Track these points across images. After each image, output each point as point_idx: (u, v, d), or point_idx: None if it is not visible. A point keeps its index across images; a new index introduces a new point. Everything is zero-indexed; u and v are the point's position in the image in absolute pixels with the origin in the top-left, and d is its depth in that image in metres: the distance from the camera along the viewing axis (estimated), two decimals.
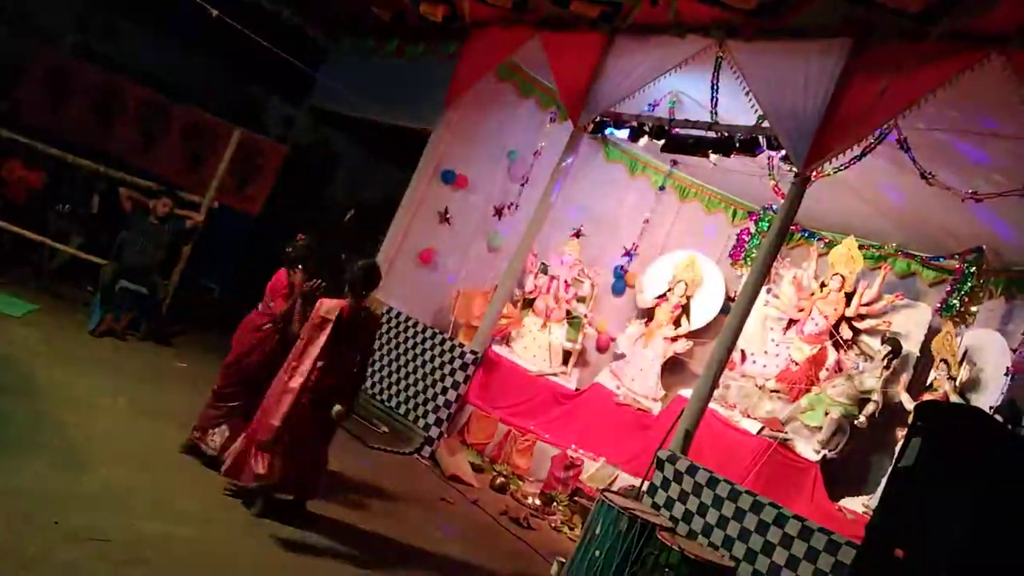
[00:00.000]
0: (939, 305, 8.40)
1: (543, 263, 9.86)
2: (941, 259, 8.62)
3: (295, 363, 5.10)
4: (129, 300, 8.03)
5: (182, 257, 8.76)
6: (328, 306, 5.15)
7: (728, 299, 9.75)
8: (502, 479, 7.90)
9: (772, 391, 8.62)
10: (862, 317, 8.70)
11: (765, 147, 6.93)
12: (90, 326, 7.77)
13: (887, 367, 8.18)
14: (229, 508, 5.08)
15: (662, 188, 10.61)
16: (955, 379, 7.59)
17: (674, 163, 10.23)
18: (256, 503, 5.11)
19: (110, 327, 7.85)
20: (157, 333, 8.24)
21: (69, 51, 10.62)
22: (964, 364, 7.63)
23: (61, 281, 8.78)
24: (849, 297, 8.78)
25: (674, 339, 9.74)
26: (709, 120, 7.33)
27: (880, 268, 8.79)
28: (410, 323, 8.70)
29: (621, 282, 10.48)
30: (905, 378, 8.23)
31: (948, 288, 8.39)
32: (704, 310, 9.96)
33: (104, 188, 9.43)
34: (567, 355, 9.75)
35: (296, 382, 5.05)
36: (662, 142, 7.80)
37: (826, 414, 8.11)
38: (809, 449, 8.06)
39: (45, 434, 5.15)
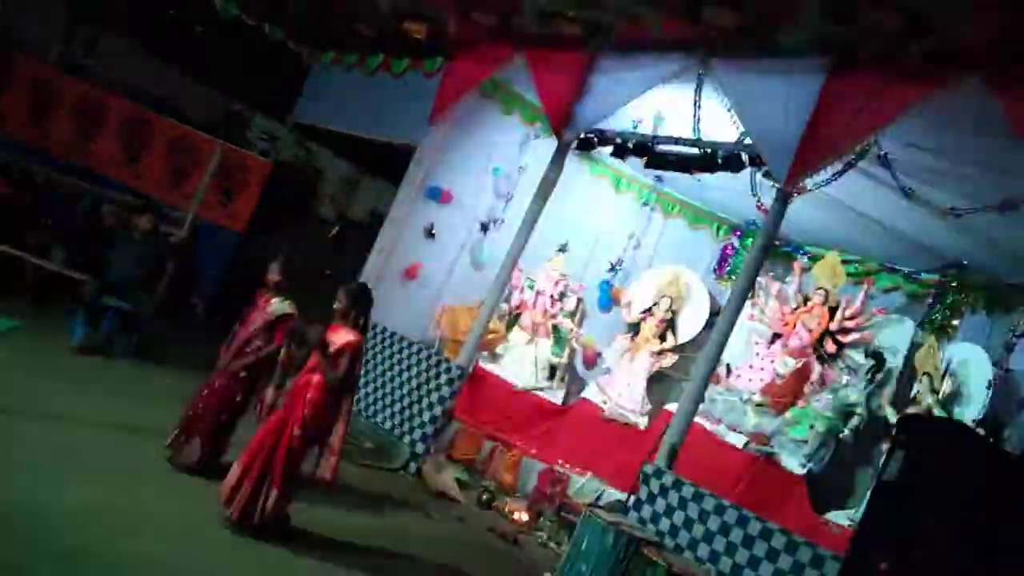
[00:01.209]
0: (922, 319, 8.48)
1: (529, 278, 9.87)
2: (923, 274, 8.71)
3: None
4: (112, 316, 7.97)
5: (166, 273, 8.73)
6: (345, 339, 5.21)
7: (713, 314, 9.79)
8: (488, 494, 7.87)
9: (757, 405, 8.65)
10: (846, 331, 8.76)
11: (747, 163, 6.99)
12: (73, 342, 7.71)
13: (871, 381, 8.23)
14: (212, 525, 5.03)
15: (647, 204, 10.66)
16: (938, 392, 7.65)
17: (659, 179, 10.29)
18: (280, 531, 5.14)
19: (93, 343, 7.79)
20: (140, 349, 8.18)
21: (53, 64, 10.59)
22: (947, 378, 7.70)
23: (44, 297, 8.71)
24: (833, 311, 8.84)
25: (659, 354, 9.77)
26: (692, 137, 7.39)
27: (863, 282, 8.86)
28: (396, 339, 8.68)
29: (607, 297, 10.51)
30: (889, 391, 8.29)
31: (930, 302, 8.48)
32: (689, 325, 10.00)
33: (88, 204, 9.39)
34: (553, 370, 9.75)
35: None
36: (646, 159, 7.85)
37: (811, 428, 8.14)
38: (794, 462, 8.09)
39: (27, 450, 5.10)
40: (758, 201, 8.35)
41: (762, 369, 9.09)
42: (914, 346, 8.36)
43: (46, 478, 4.84)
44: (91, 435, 5.78)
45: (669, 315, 9.92)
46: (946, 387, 7.63)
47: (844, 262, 8.98)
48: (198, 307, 10.67)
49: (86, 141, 10.19)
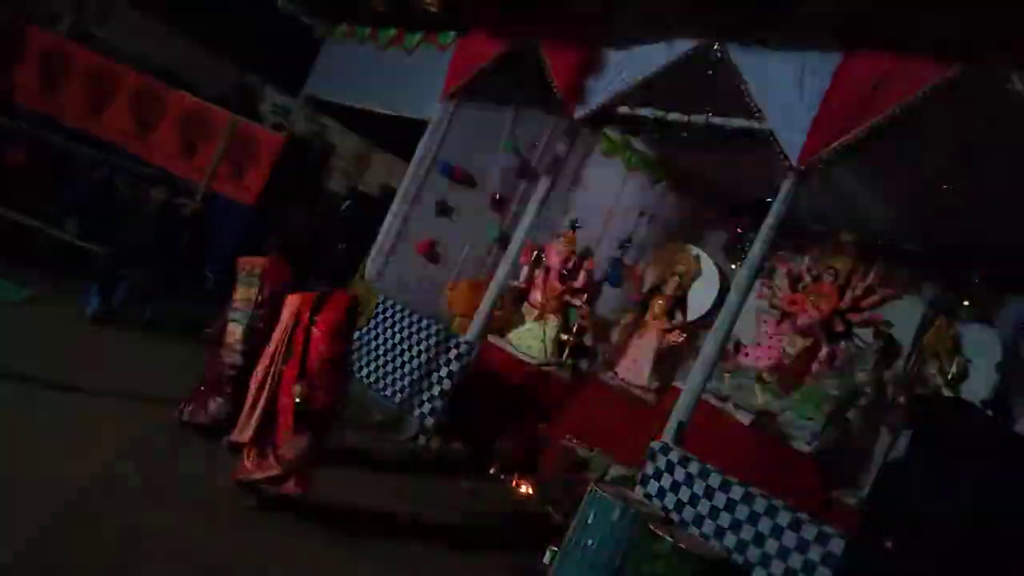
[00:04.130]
0: (932, 299, 8.44)
1: (539, 254, 9.88)
2: (934, 254, 8.65)
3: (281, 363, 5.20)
4: (125, 287, 8.04)
5: (178, 244, 8.77)
6: (296, 300, 5.23)
7: (723, 291, 9.77)
8: (496, 468, 7.94)
9: (766, 383, 8.65)
10: (855, 310, 8.73)
11: (760, 141, 6.94)
12: (87, 312, 7.78)
13: (880, 360, 8.21)
14: (229, 495, 5.11)
15: (658, 181, 10.62)
16: (947, 373, 7.64)
17: (670, 156, 10.23)
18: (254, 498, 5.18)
19: (107, 313, 7.87)
20: (153, 319, 8.25)
21: (65, 34, 10.58)
22: (956, 358, 7.68)
23: (58, 267, 8.78)
24: (842, 290, 8.81)
25: (669, 331, 9.77)
26: (705, 114, 7.34)
27: (873, 262, 8.81)
28: (406, 313, 8.72)
29: (617, 274, 10.50)
30: (897, 371, 8.27)
31: (941, 283, 8.43)
32: (699, 302, 9.98)
33: (102, 175, 9.43)
34: (562, 346, 9.77)
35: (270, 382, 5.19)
36: (658, 136, 7.81)
37: (818, 406, 8.14)
38: (801, 441, 8.10)
39: (42, 419, 5.18)
40: (770, 179, 8.29)
41: (771, 348, 9.07)
42: (924, 326, 8.34)
43: (61, 447, 4.92)
44: (104, 404, 5.85)
45: (679, 292, 9.92)
46: (955, 368, 7.62)
47: (855, 241, 8.92)
48: (210, 279, 10.73)
49: (98, 112, 10.20)
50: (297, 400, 4.99)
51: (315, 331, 5.12)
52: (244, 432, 5.17)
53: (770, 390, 8.59)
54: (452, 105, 9.15)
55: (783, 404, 8.43)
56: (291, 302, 5.25)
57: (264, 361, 5.23)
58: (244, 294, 6.00)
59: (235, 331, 5.97)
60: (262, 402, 5.13)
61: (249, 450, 5.13)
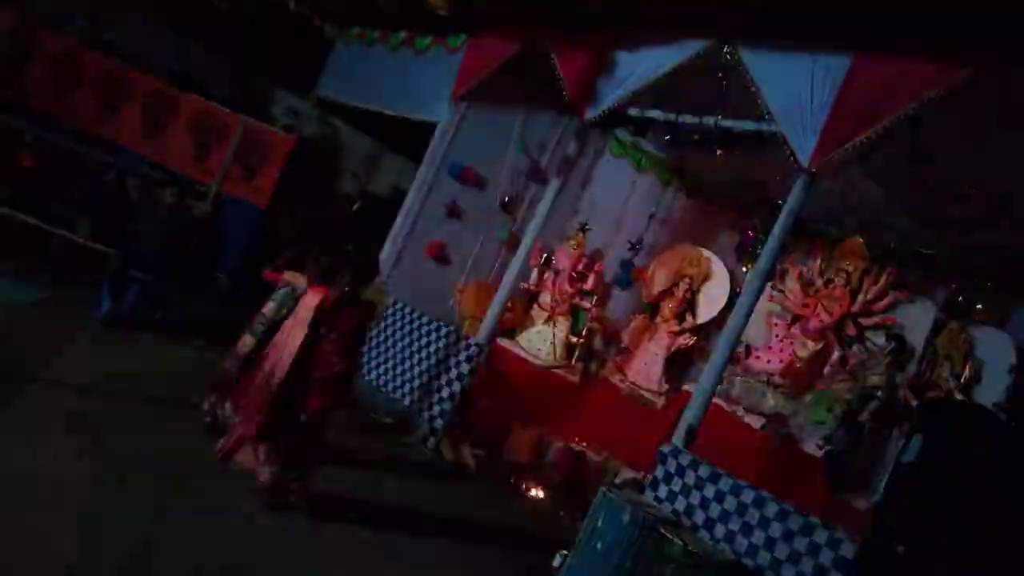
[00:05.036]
0: (944, 302, 8.40)
1: (548, 256, 9.87)
2: (946, 255, 8.60)
3: (276, 357, 5.24)
4: (137, 288, 8.07)
5: (190, 246, 8.80)
6: (312, 298, 5.26)
7: (733, 294, 9.75)
8: (506, 471, 7.93)
9: (776, 387, 8.63)
10: (867, 314, 8.70)
11: (771, 143, 6.91)
12: (98, 315, 7.81)
13: (891, 364, 8.18)
14: (240, 493, 5.12)
15: (668, 183, 10.59)
16: (959, 376, 7.60)
17: (681, 158, 10.21)
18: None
19: (118, 315, 7.89)
20: (164, 321, 8.27)
21: (77, 38, 10.64)
22: (968, 361, 7.64)
23: (69, 269, 8.82)
24: (854, 293, 8.78)
25: (679, 334, 9.75)
26: (715, 116, 7.32)
27: (886, 265, 8.78)
28: (415, 315, 8.72)
29: (626, 276, 10.48)
30: (909, 374, 8.23)
31: (953, 285, 8.39)
32: (709, 305, 9.96)
33: (113, 177, 9.48)
34: (572, 348, 9.77)
35: (278, 376, 5.23)
36: (668, 137, 7.79)
37: (830, 410, 8.12)
38: (812, 445, 8.08)
39: (53, 420, 5.20)
40: (781, 181, 8.26)
41: (782, 351, 9.05)
42: (936, 329, 8.29)
43: (74, 446, 4.93)
44: (116, 406, 5.86)
45: (689, 295, 9.90)
46: (967, 371, 7.58)
47: (867, 244, 8.89)
48: (221, 280, 10.78)
49: (110, 115, 10.25)
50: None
51: (331, 337, 5.17)
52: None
53: (781, 394, 8.57)
54: (462, 107, 9.14)
55: (794, 407, 8.41)
56: (311, 300, 5.28)
57: (283, 359, 5.24)
58: (271, 311, 5.91)
59: (246, 342, 5.88)
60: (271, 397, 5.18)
61: (256, 449, 5.15)
